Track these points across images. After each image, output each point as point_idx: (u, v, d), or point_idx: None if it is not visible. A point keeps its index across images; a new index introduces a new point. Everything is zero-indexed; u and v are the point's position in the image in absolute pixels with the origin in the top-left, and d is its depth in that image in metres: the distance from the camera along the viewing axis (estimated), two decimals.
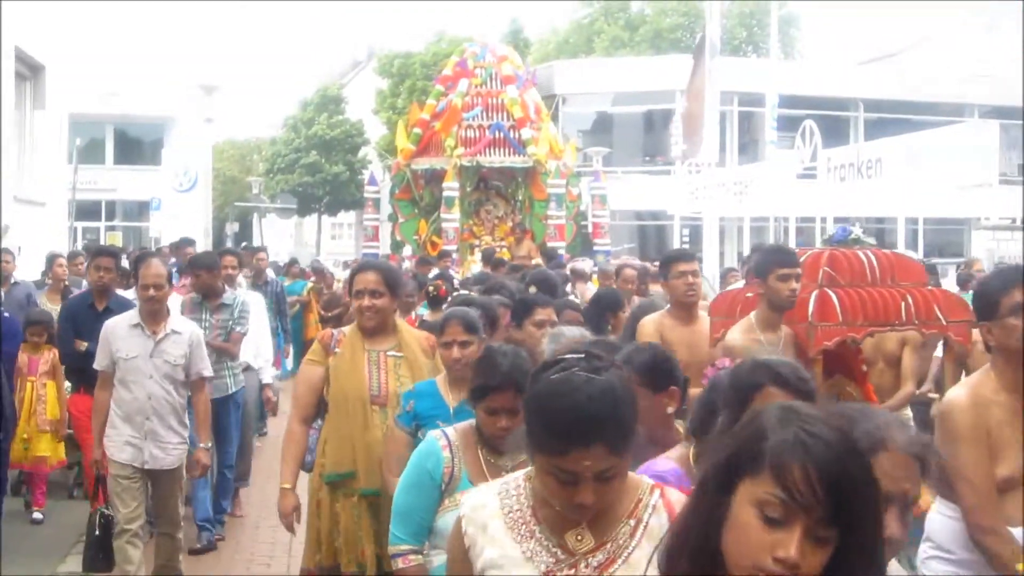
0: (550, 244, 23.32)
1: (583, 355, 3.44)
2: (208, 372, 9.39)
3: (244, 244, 43.20)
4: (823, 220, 40.61)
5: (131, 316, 9.13)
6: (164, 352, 8.99)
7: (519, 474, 3.70)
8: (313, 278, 26.50)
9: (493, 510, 3.60)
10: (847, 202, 37.18)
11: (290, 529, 7.38)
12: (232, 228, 59.04)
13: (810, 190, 36.48)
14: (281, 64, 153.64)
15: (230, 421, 11.88)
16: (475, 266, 21.60)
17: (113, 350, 8.98)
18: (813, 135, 37.05)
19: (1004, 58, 47.97)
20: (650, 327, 8.88)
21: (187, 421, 9.26)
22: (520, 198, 25.80)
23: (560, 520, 3.46)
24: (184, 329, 9.19)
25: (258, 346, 12.96)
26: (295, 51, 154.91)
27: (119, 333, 9.01)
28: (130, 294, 11.43)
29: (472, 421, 5.39)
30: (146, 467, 8.97)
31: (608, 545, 3.46)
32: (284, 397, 13.86)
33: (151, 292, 8.90)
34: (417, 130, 25.65)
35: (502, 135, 24.85)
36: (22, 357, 11.70)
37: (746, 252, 38.83)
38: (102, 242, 35.23)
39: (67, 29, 27.14)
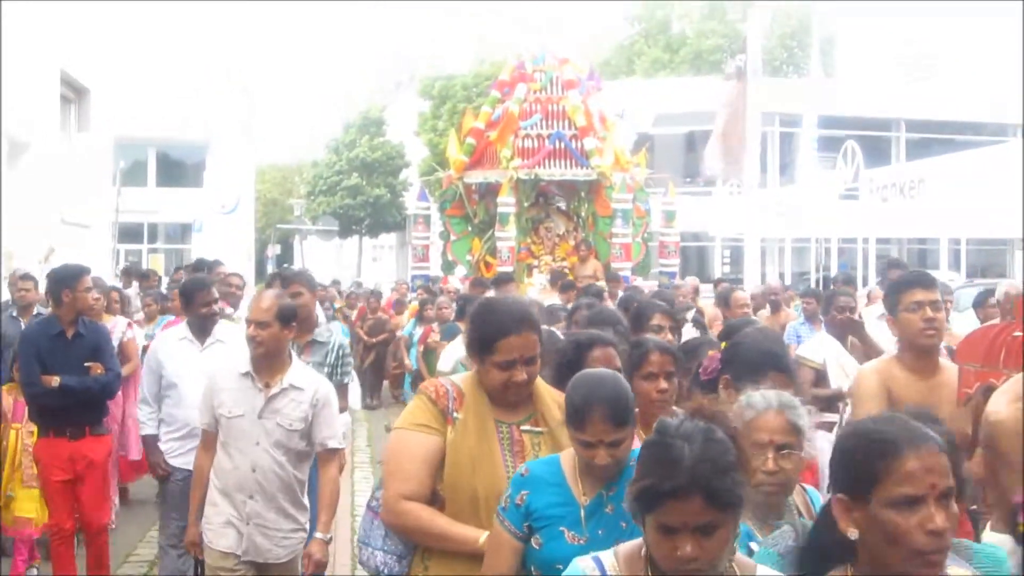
0: (615, 264, 21.81)
1: None
2: (336, 443, 7.25)
3: (285, 266, 43.43)
4: (865, 241, 40.59)
5: (241, 363, 7.15)
6: (278, 412, 7.02)
7: None
8: (341, 302, 26.23)
9: None
10: (890, 223, 37.07)
11: None
12: (274, 250, 59.30)
13: (852, 211, 36.38)
14: (323, 86, 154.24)
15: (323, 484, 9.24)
16: (532, 289, 20.11)
17: (216, 404, 7.10)
18: (855, 155, 36.98)
19: None
20: (872, 381, 6.48)
21: (308, 503, 7.29)
22: (583, 214, 23.66)
23: None
24: (307, 384, 7.12)
25: None
26: (337, 73, 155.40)
27: (224, 383, 7.12)
28: (180, 330, 9.23)
29: (639, 542, 3.59)
30: (245, 559, 7.04)
31: None
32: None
33: (250, 330, 7.07)
34: (470, 140, 23.70)
35: (563, 145, 22.94)
36: (6, 399, 9.87)
37: (788, 274, 38.83)
38: (144, 265, 35.37)
39: (112, 52, 27.37)
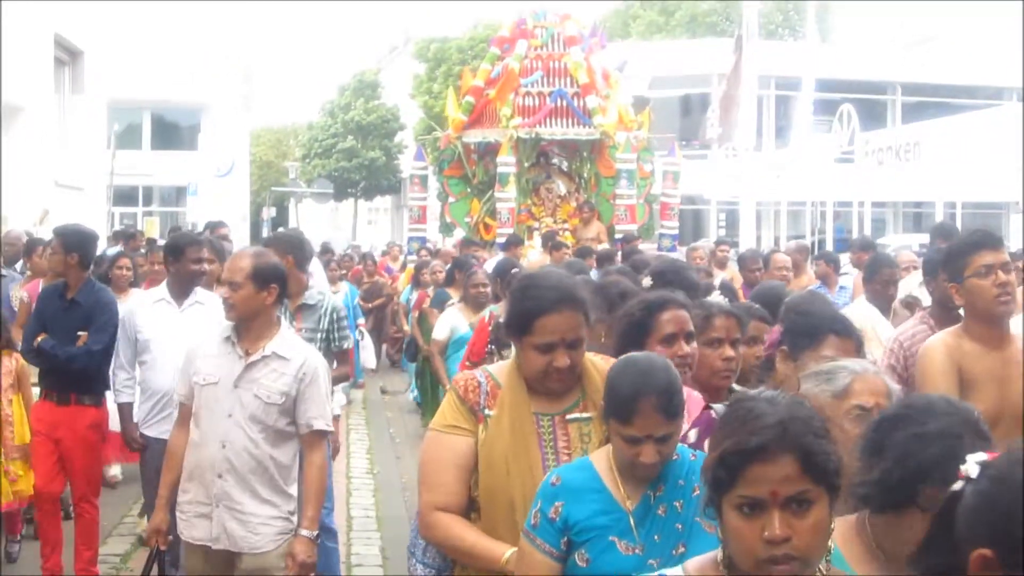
0: (618, 226, 20.91)
1: None
2: (322, 424, 6.23)
3: (280, 228, 43.41)
4: (861, 204, 40.55)
5: (225, 327, 6.34)
6: (256, 382, 6.11)
7: None
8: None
9: None
10: (885, 186, 37.07)
11: None
12: (269, 213, 59.14)
13: (848, 174, 36.36)
14: (318, 50, 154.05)
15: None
16: (532, 251, 19.19)
17: (192, 372, 6.28)
18: (851, 119, 36.93)
19: None
20: (941, 357, 5.73)
21: (294, 490, 6.29)
22: (585, 175, 22.67)
23: None
24: (294, 355, 6.20)
25: None
26: (332, 36, 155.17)
27: (205, 348, 6.34)
28: (158, 291, 8.70)
29: (712, 554, 2.99)
30: (217, 547, 6.14)
31: None
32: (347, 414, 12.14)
33: (222, 291, 6.31)
34: (469, 98, 22.62)
35: (565, 103, 21.79)
36: None
37: (783, 237, 38.84)
38: (139, 227, 35.35)
39: (106, 15, 27.26)
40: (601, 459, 3.97)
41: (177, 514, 6.23)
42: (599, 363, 4.56)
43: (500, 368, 4.65)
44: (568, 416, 4.44)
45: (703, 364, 5.14)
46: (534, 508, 3.93)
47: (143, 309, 8.49)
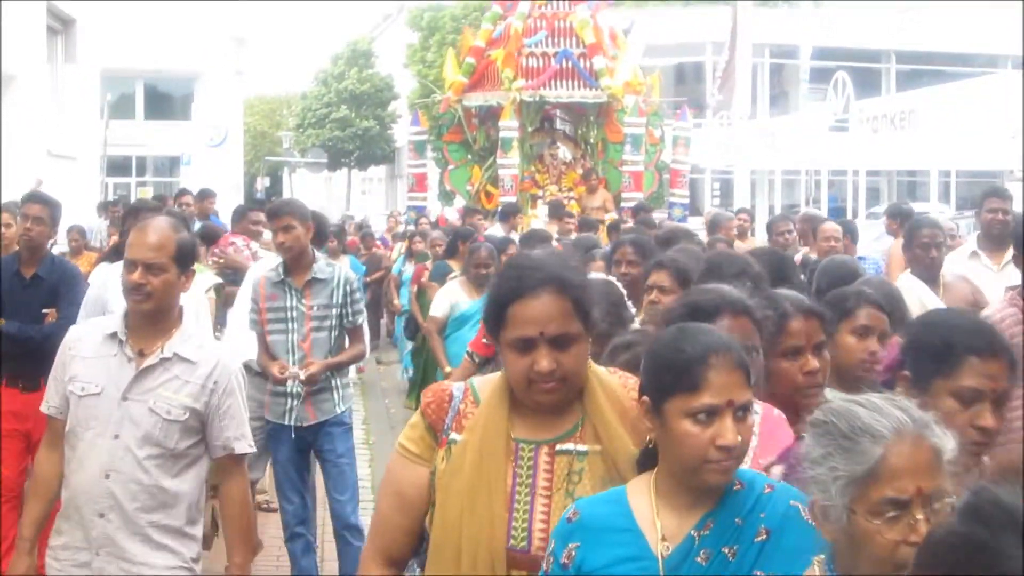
0: (625, 195, 19.97)
1: None
2: (245, 446, 4.94)
3: (273, 198, 43.35)
4: (855, 173, 40.51)
5: (109, 320, 5.05)
6: (152, 393, 4.73)
7: None
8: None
9: None
10: (880, 154, 37.02)
11: None
12: (263, 183, 59.04)
13: (842, 142, 36.29)
14: (311, 18, 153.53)
15: (340, 454, 7.85)
16: (535, 220, 18.40)
17: (67, 379, 4.87)
18: (845, 87, 36.86)
19: None
20: None
21: (198, 531, 4.97)
22: (592, 140, 21.74)
23: None
24: (202, 357, 4.85)
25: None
26: (325, 5, 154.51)
27: (83, 347, 4.89)
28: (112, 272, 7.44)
29: None
30: None
31: None
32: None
33: (135, 275, 4.71)
34: (470, 60, 21.74)
35: (570, 65, 20.92)
36: None
37: (778, 206, 38.81)
38: (133, 198, 35.22)
39: None
40: (640, 488, 3.07)
41: (48, 559, 4.87)
42: (606, 378, 3.49)
43: (486, 381, 3.59)
44: (559, 447, 3.37)
45: (781, 379, 4.04)
46: (549, 548, 3.09)
47: (114, 283, 6.95)
